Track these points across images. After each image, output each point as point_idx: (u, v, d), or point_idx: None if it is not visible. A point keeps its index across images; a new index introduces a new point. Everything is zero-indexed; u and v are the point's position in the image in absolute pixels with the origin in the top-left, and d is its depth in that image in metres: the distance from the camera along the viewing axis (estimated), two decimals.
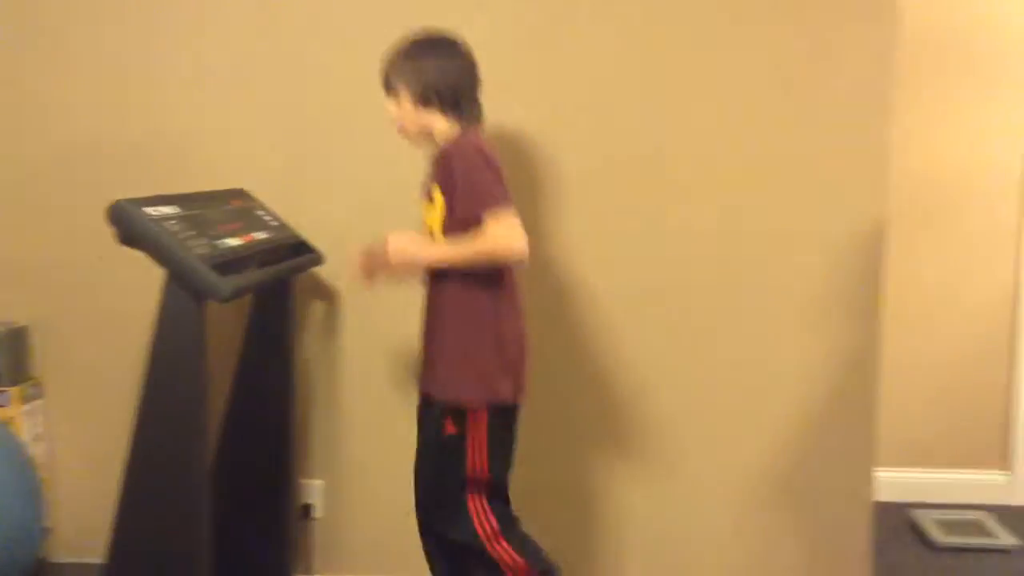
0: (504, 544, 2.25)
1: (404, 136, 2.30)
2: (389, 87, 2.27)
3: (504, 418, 2.26)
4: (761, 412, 2.78)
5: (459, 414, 2.20)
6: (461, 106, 2.23)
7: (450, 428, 2.21)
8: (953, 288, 3.69)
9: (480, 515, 2.25)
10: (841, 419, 2.75)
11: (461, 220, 2.11)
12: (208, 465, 2.22)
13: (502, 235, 2.07)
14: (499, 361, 2.21)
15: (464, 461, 2.21)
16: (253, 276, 2.28)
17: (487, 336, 2.20)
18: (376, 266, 2.25)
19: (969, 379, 3.73)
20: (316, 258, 2.69)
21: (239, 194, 2.62)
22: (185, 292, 2.05)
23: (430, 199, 2.21)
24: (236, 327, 2.70)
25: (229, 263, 2.17)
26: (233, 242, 2.28)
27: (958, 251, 3.68)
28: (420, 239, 2.21)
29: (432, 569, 2.36)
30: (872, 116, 2.64)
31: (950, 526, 3.49)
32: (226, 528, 2.60)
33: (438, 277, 2.22)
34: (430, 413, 2.27)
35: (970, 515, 3.59)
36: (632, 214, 2.73)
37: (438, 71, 2.21)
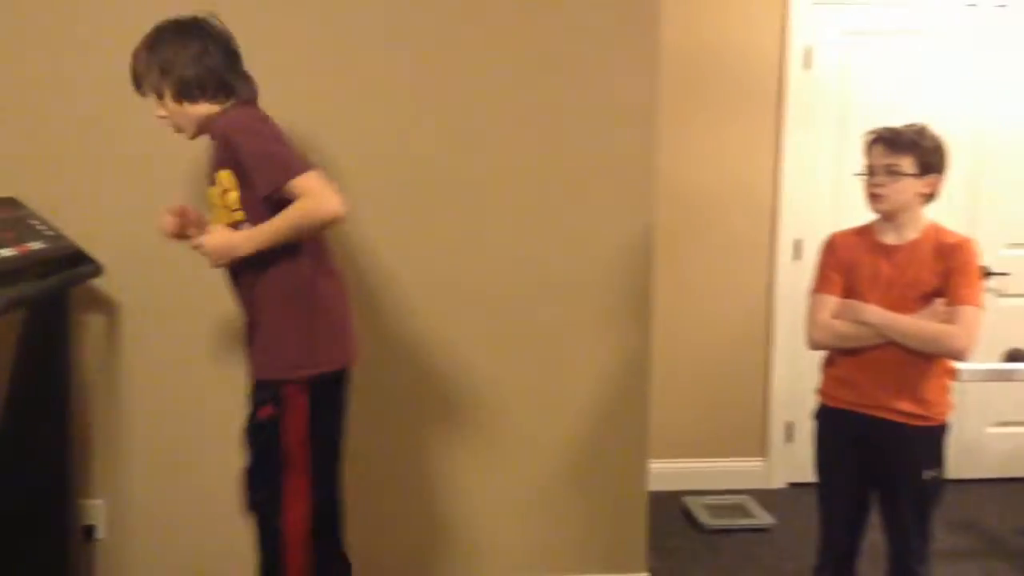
0: (305, 547, 2.23)
1: (181, 133, 2.21)
2: (145, 90, 2.17)
3: (329, 389, 2.25)
4: (556, 404, 2.92)
5: (277, 394, 2.17)
6: (228, 87, 2.16)
7: (267, 411, 2.18)
8: (715, 293, 4.04)
9: (295, 508, 2.21)
10: (619, 413, 2.94)
11: (266, 194, 2.06)
12: None
13: (314, 199, 2.03)
14: (320, 330, 2.20)
15: (281, 445, 2.18)
16: (26, 288, 2.19)
17: (303, 307, 2.17)
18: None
19: (730, 377, 4.08)
20: (95, 269, 2.59)
21: (9, 203, 2.49)
22: None
23: (213, 182, 2.15)
24: (5, 343, 2.56)
25: (9, 272, 2.07)
26: (7, 252, 2.18)
27: (719, 258, 4.02)
28: (229, 234, 2.12)
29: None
30: (638, 133, 2.83)
31: (716, 510, 3.81)
32: (2, 552, 2.47)
33: (243, 264, 2.16)
34: (253, 396, 2.23)
35: (734, 499, 3.93)
36: (420, 215, 2.81)
37: (190, 60, 2.11)
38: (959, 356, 2.31)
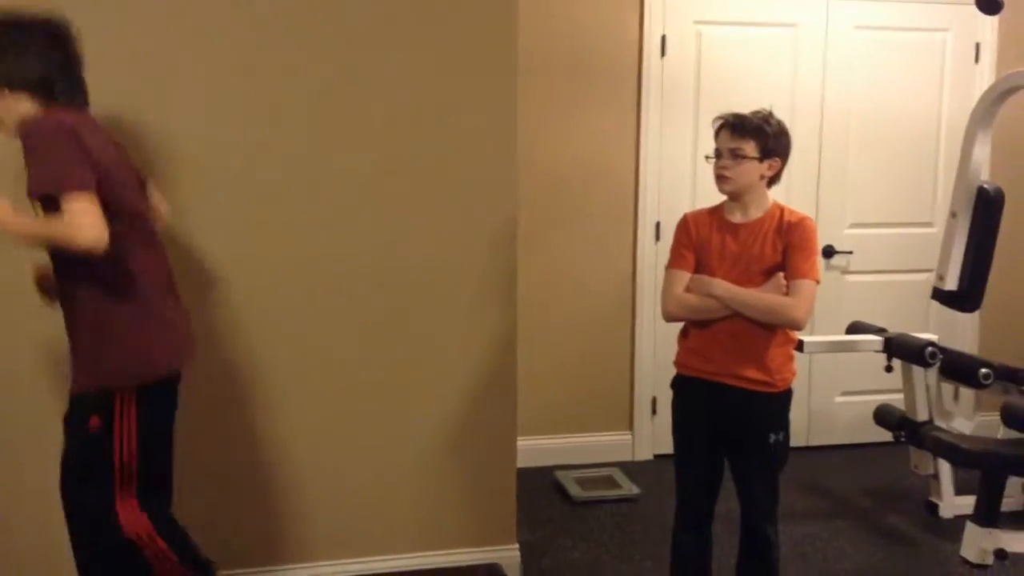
0: (160, 544, 2.24)
1: (2, 130, 2.15)
2: None
3: (159, 395, 2.24)
4: (427, 386, 2.97)
5: (106, 403, 2.15)
6: (53, 89, 2.11)
7: (95, 422, 2.14)
8: (582, 275, 4.17)
9: (131, 517, 2.21)
10: (489, 392, 3.02)
11: (31, 195, 2.01)
12: None
13: (68, 225, 1.97)
14: (148, 334, 2.18)
15: (112, 457, 2.16)
16: None
17: (127, 313, 2.16)
18: None
19: (598, 356, 4.23)
20: None
21: None
22: None
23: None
24: None
25: None
26: None
27: (585, 241, 4.16)
28: (8, 209, 2.05)
29: None
30: (498, 123, 2.91)
31: (586, 483, 3.95)
32: None
33: (61, 268, 2.15)
34: (73, 413, 2.19)
35: (603, 472, 4.08)
36: (292, 209, 2.82)
37: (22, 54, 2.08)
38: (796, 326, 2.47)
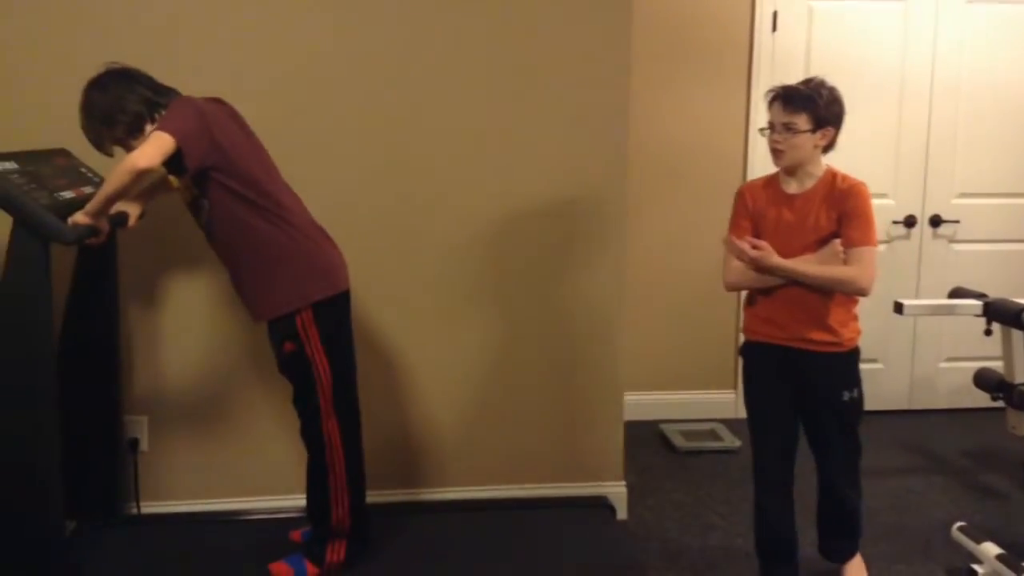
0: (339, 456, 2.66)
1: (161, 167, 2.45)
2: (108, 148, 2.51)
3: (332, 310, 2.63)
4: (538, 343, 3.29)
5: (291, 326, 2.56)
6: (155, 103, 2.50)
7: (289, 345, 2.58)
8: (687, 236, 4.38)
9: (330, 424, 2.64)
10: (599, 344, 3.30)
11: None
12: (55, 397, 2.46)
13: (139, 151, 2.31)
14: (308, 257, 2.57)
15: (311, 370, 2.58)
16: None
17: (288, 241, 2.54)
18: None
19: (703, 315, 4.44)
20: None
21: (62, 153, 2.82)
22: (33, 236, 2.29)
23: None
24: (61, 278, 2.90)
25: (67, 213, 2.42)
26: (67, 195, 2.52)
27: (694, 203, 4.36)
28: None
29: None
30: (613, 94, 3.17)
31: (690, 435, 4.21)
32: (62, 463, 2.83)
33: (214, 212, 2.53)
34: (271, 337, 2.63)
35: (706, 426, 4.32)
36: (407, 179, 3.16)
37: (121, 101, 2.46)
38: (862, 294, 2.54)
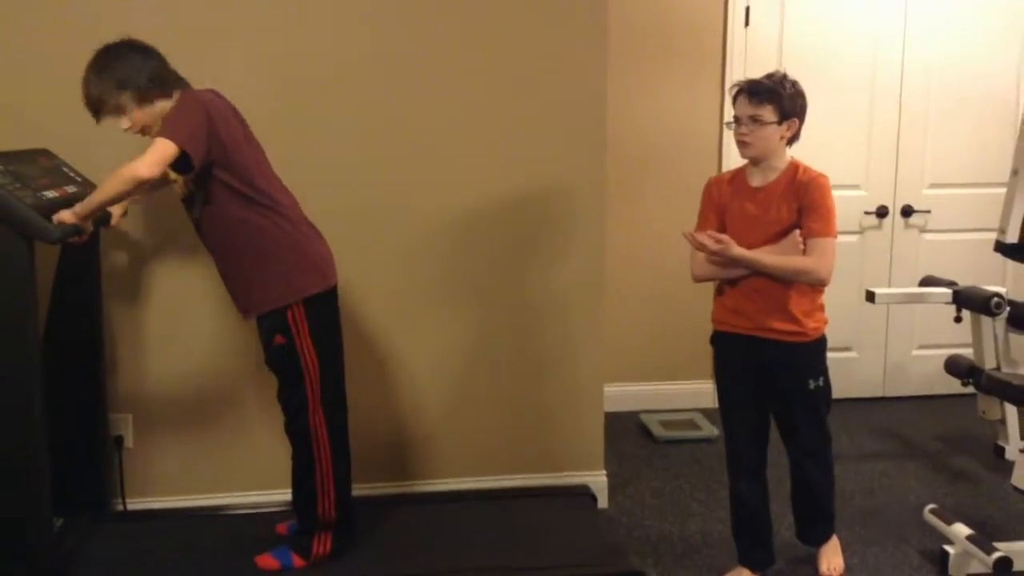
0: (326, 451, 2.69)
1: (147, 135, 2.48)
2: (104, 114, 2.48)
3: (322, 304, 2.67)
4: (519, 335, 3.34)
5: (282, 320, 2.59)
6: (169, 83, 2.52)
7: (279, 339, 2.61)
8: (664, 228, 4.42)
9: (316, 418, 2.67)
10: (580, 335, 3.36)
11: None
12: (42, 393, 2.48)
13: (139, 160, 2.33)
14: (300, 251, 2.61)
15: (300, 364, 2.62)
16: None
17: (280, 236, 2.57)
18: None
19: (681, 306, 4.48)
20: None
21: (45, 153, 2.84)
22: (17, 235, 2.31)
23: None
24: (44, 276, 2.91)
25: (51, 212, 2.44)
26: (51, 194, 2.54)
27: (670, 198, 4.42)
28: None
29: None
30: (590, 94, 3.22)
31: (668, 424, 4.27)
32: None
33: (209, 206, 2.55)
34: (261, 330, 2.67)
35: (685, 416, 4.39)
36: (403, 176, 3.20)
37: (139, 68, 2.45)
38: (822, 284, 2.61)
